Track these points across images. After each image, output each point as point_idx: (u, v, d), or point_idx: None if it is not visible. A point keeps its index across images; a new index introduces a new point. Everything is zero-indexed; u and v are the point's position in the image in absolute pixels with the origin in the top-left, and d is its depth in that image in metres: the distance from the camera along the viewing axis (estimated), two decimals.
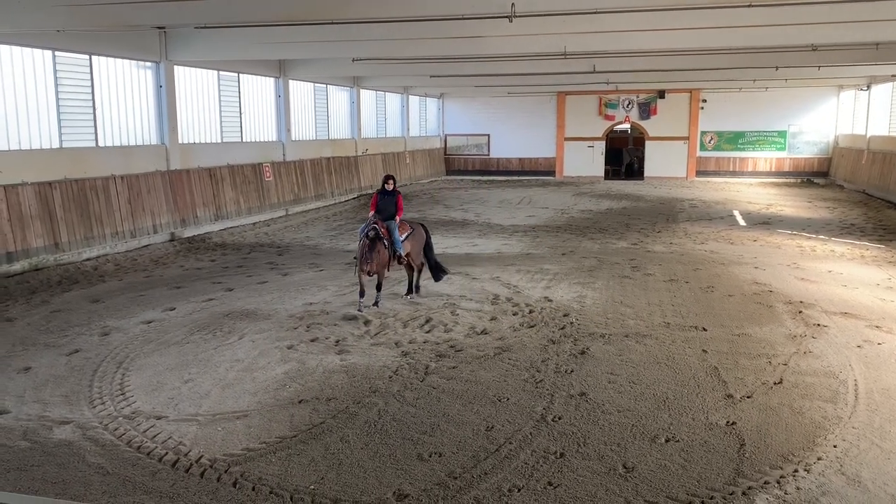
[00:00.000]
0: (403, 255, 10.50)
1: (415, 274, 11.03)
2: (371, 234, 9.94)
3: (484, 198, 26.29)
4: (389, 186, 10.59)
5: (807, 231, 17.70)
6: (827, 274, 12.50)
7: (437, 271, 11.10)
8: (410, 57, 19.25)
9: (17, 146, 13.33)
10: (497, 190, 29.44)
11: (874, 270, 12.86)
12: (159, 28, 15.62)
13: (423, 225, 11.27)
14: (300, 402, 6.88)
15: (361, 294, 10.12)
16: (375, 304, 10.24)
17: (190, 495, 5.20)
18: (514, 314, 9.92)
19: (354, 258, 10.47)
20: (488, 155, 35.82)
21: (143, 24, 13.96)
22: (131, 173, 15.61)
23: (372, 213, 10.45)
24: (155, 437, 6.14)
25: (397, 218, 10.52)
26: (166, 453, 5.83)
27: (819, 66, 20.78)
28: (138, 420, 6.49)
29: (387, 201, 10.52)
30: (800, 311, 9.95)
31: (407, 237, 10.65)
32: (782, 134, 32.55)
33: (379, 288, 10.39)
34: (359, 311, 9.95)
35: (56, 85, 14.06)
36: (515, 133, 34.90)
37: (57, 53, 14.00)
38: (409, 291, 10.92)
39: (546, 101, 34.24)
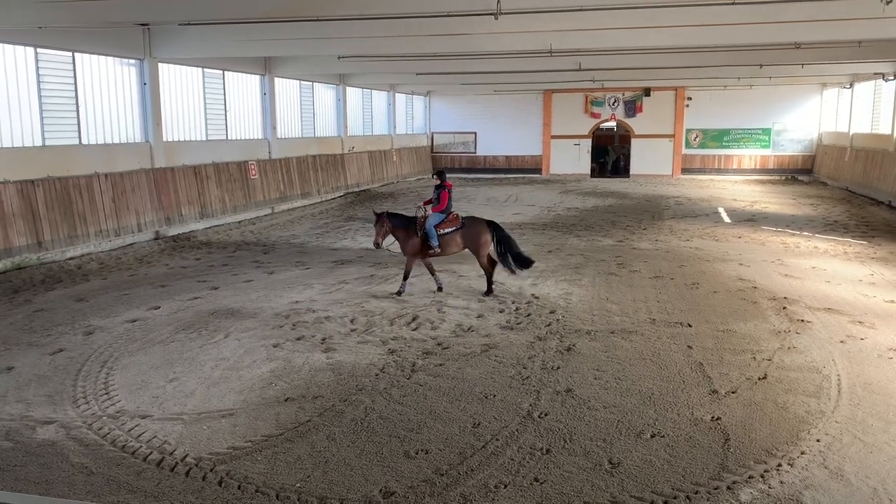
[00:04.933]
0: (436, 247, 10.74)
1: (489, 272, 10.95)
2: (378, 210, 10.93)
3: (471, 195, 26.29)
4: (436, 181, 11.14)
5: (791, 228, 17.84)
6: (811, 270, 12.60)
7: (518, 263, 10.82)
8: (396, 54, 19.21)
9: None
10: (484, 188, 29.46)
11: (857, 266, 12.97)
12: (143, 25, 15.49)
13: (489, 222, 10.98)
14: (286, 400, 6.86)
15: (405, 277, 10.92)
16: (399, 292, 10.84)
17: (175, 494, 5.17)
18: (500, 311, 9.94)
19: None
20: (475, 153, 35.84)
21: (126, 20, 13.83)
22: (115, 171, 15.48)
23: (423, 205, 11.18)
24: (140, 436, 6.11)
25: (430, 209, 10.95)
26: (151, 452, 5.79)
27: (803, 64, 20.93)
28: (123, 419, 6.44)
29: (435, 195, 11.04)
30: (784, 307, 10.03)
31: (454, 231, 10.77)
32: (767, 132, 32.77)
33: (405, 277, 10.97)
34: (399, 293, 10.80)
35: (38, 82, 13.92)
36: (502, 131, 34.93)
37: (39, 50, 13.86)
38: (488, 292, 10.81)
39: (532, 98, 34.30)
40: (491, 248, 10.88)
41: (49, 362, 7.98)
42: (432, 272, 11.14)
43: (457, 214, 10.99)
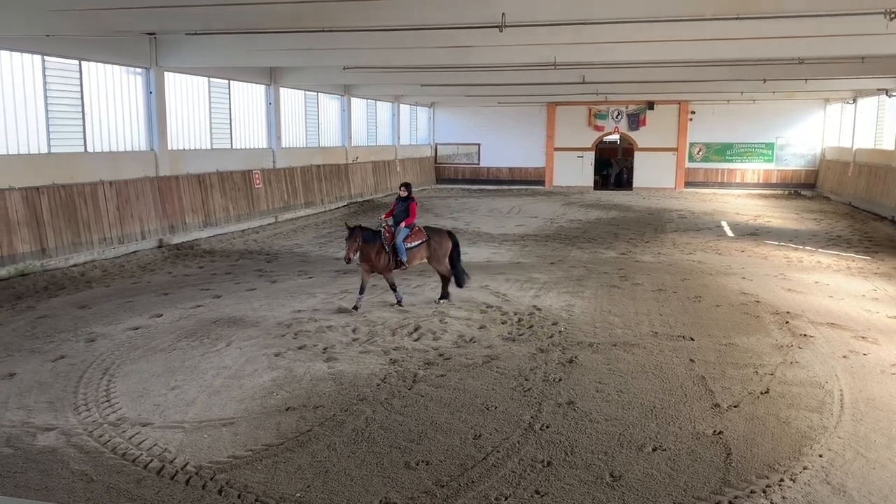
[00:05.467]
0: (406, 262, 10.68)
1: (446, 279, 11.15)
2: (351, 224, 10.55)
3: (474, 206, 26.33)
4: (403, 193, 10.95)
5: (794, 242, 17.82)
6: (813, 285, 12.58)
7: (459, 278, 11.18)
8: (401, 66, 19.30)
9: (5, 151, 13.24)
10: (487, 199, 29.50)
11: (860, 282, 12.95)
12: (150, 34, 15.58)
13: (450, 233, 11.34)
14: (287, 409, 6.85)
15: (361, 290, 10.60)
16: (398, 302, 10.77)
17: (175, 503, 5.16)
18: (502, 323, 9.93)
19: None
20: (478, 164, 35.91)
21: (133, 30, 13.92)
22: (120, 179, 15.53)
23: (385, 217, 10.90)
24: (140, 444, 6.10)
25: (405, 223, 10.74)
26: (151, 460, 5.79)
27: (806, 80, 21.00)
28: (123, 427, 6.44)
29: (400, 208, 10.87)
30: (786, 322, 10.01)
31: (420, 244, 10.80)
32: (770, 146, 32.81)
33: (393, 288, 10.84)
34: (355, 307, 10.44)
35: (45, 90, 14.00)
36: (506, 143, 35.01)
37: (46, 58, 13.94)
38: (443, 297, 11.09)
39: (536, 111, 34.39)
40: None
41: (51, 369, 7.98)
42: (393, 287, 10.85)
43: (420, 228, 10.96)
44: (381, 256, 10.50)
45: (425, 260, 11.03)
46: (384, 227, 10.65)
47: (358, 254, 10.35)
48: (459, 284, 11.22)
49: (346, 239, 10.46)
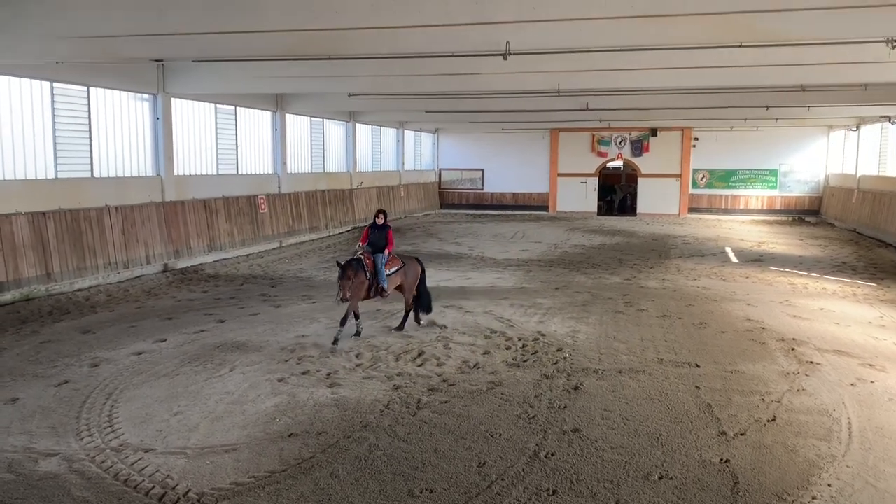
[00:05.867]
0: (387, 289, 10.52)
1: (409, 308, 11.07)
2: (342, 261, 10.22)
3: (478, 231, 26.36)
4: (380, 220, 10.76)
5: (799, 268, 17.77)
6: (819, 311, 12.52)
7: (426, 307, 11.14)
8: (406, 93, 19.44)
9: (13, 176, 13.34)
10: (491, 224, 29.54)
11: (866, 308, 12.89)
12: (157, 61, 15.76)
13: (418, 259, 11.35)
14: (290, 435, 6.81)
15: (342, 323, 10.15)
16: (357, 332, 10.35)
17: None
18: (507, 348, 9.89)
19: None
20: (482, 189, 36.04)
21: (141, 56, 14.09)
22: (126, 204, 15.62)
23: (361, 244, 10.60)
24: (142, 470, 6.06)
25: (387, 251, 10.60)
26: (153, 487, 5.74)
27: (809, 106, 21.08)
28: (126, 453, 6.40)
29: (377, 235, 10.67)
30: (792, 349, 9.95)
31: (397, 271, 10.71)
32: (773, 172, 32.88)
33: (356, 316, 10.43)
34: (334, 342, 9.93)
35: (53, 115, 14.13)
36: (509, 168, 35.18)
37: (55, 84, 14.10)
38: (401, 327, 10.91)
39: (539, 137, 34.59)
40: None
41: (54, 394, 7.96)
42: (357, 315, 10.50)
43: (394, 255, 10.82)
44: (363, 284, 10.22)
45: (397, 287, 10.84)
46: (362, 255, 10.38)
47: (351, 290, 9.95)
48: (427, 311, 11.14)
49: (339, 278, 9.97)
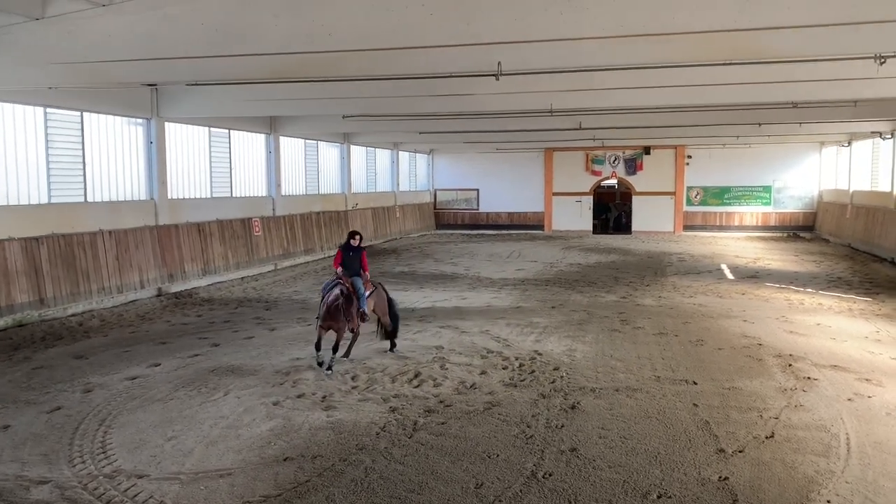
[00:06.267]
0: (368, 312, 10.27)
1: (389, 327, 10.79)
2: (345, 291, 9.83)
3: (473, 251, 26.36)
4: (355, 242, 10.34)
5: (794, 284, 17.79)
6: (815, 327, 12.51)
7: (395, 327, 10.85)
8: (400, 114, 19.53)
9: (5, 201, 13.32)
10: (486, 244, 29.55)
11: (862, 323, 12.89)
12: (151, 85, 15.81)
13: (381, 284, 11.04)
14: (285, 459, 6.74)
15: (318, 348, 9.84)
16: (329, 368, 9.66)
17: None
18: (503, 368, 9.84)
19: (317, 317, 10.05)
20: (478, 209, 36.12)
21: (134, 81, 14.14)
22: (119, 228, 15.59)
23: (340, 269, 10.22)
24: (135, 496, 5.99)
25: (366, 273, 10.37)
26: None
27: (801, 123, 21.21)
28: (119, 479, 6.33)
29: (352, 258, 10.30)
30: (790, 365, 9.93)
31: (371, 293, 10.49)
32: (767, 189, 33.02)
33: (335, 349, 9.84)
34: (319, 364, 9.73)
35: (46, 141, 14.14)
36: (504, 188, 35.29)
37: (48, 110, 14.13)
38: (392, 347, 10.76)
39: (534, 156, 34.73)
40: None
41: (46, 420, 7.87)
42: (337, 348, 9.92)
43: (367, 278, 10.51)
44: (351, 309, 9.92)
45: (372, 310, 10.52)
46: (341, 279, 10.02)
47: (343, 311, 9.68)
48: (394, 333, 10.84)
49: (342, 308, 9.65)
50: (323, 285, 10.26)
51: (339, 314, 9.71)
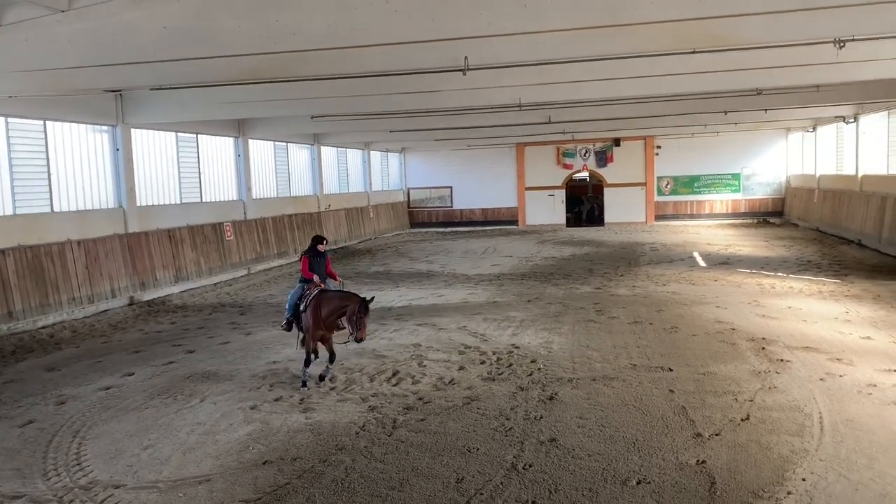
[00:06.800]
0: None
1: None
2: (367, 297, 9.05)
3: (449, 249, 26.36)
4: (323, 248, 9.83)
5: (765, 269, 18.03)
6: (787, 310, 12.69)
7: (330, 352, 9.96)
8: (369, 112, 19.46)
9: None
10: (461, 240, 29.58)
11: (832, 305, 13.10)
12: (115, 91, 15.58)
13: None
14: (264, 463, 6.69)
15: (307, 364, 9.15)
16: (322, 379, 9.26)
17: None
18: (481, 363, 9.86)
19: (303, 328, 9.45)
20: (451, 206, 36.15)
21: (97, 87, 13.91)
22: (88, 238, 15.35)
23: (314, 276, 9.48)
24: None
25: (338, 280, 10.00)
26: None
27: (766, 110, 21.49)
28: (95, 490, 6.24)
29: (318, 263, 9.72)
30: (763, 348, 10.06)
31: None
32: (736, 176, 33.44)
33: (332, 359, 9.40)
34: (305, 384, 9.00)
35: (9, 151, 13.87)
36: (477, 184, 35.36)
37: (10, 119, 13.86)
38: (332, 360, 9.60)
39: (505, 152, 34.85)
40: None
41: (18, 435, 7.74)
42: (315, 354, 9.33)
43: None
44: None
45: None
46: (320, 286, 9.44)
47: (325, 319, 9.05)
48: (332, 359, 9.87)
49: (362, 315, 8.82)
50: (290, 295, 9.63)
51: (362, 322, 8.83)
